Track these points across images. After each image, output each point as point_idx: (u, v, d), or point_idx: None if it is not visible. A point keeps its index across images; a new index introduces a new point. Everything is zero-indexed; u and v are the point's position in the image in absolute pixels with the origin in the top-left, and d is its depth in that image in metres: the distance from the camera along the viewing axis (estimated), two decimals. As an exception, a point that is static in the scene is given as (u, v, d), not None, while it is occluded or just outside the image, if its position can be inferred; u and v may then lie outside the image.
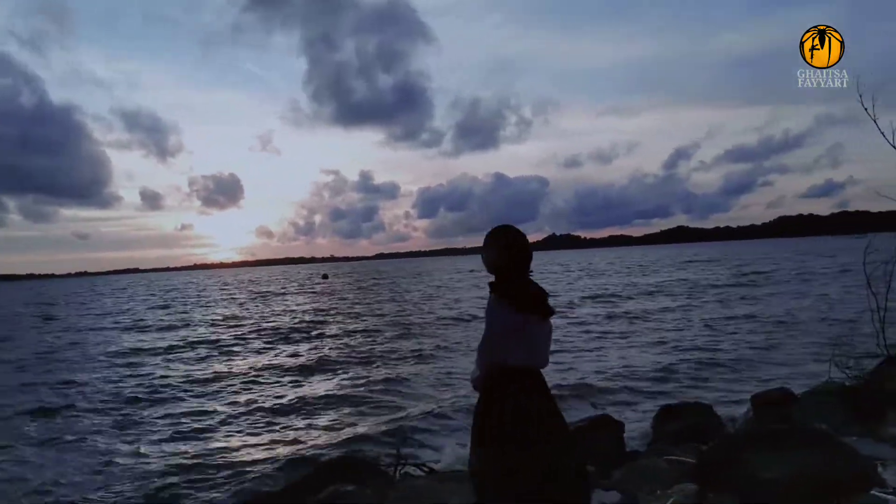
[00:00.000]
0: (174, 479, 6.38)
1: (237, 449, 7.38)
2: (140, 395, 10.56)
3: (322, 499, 4.56)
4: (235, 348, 16.30)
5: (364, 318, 23.13)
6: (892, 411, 4.60)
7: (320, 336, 18.08)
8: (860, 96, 4.89)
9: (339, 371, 12.14)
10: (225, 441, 7.77)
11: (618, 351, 13.01)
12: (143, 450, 7.47)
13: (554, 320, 2.51)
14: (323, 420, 8.56)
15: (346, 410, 8.99)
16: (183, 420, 8.86)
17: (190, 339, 18.49)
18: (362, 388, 10.30)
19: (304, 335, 18.42)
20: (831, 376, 6.31)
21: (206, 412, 9.25)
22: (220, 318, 26.45)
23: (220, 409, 9.43)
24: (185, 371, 12.98)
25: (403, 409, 8.89)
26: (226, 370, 12.84)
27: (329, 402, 9.50)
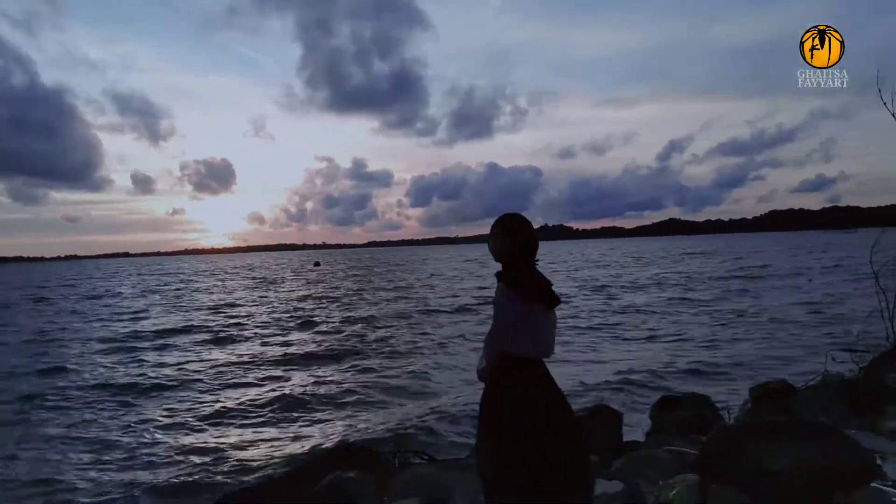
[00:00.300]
0: (170, 472, 6.29)
1: (234, 441, 7.31)
2: (133, 384, 10.38)
3: (323, 485, 4.56)
4: (229, 337, 16.14)
5: (359, 307, 23.08)
6: (890, 405, 4.64)
7: (315, 326, 17.96)
8: (879, 90, 4.88)
9: (335, 363, 12.00)
10: (222, 433, 7.66)
11: (614, 343, 13.06)
12: (137, 442, 7.33)
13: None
14: (321, 412, 8.47)
15: (345, 402, 8.89)
16: (178, 411, 8.72)
17: (183, 327, 18.36)
18: (361, 381, 10.23)
19: (300, 325, 18.33)
20: (828, 369, 6.38)
21: (201, 403, 9.15)
22: (213, 305, 26.33)
23: (215, 400, 9.32)
24: (179, 360, 12.82)
25: (403, 400, 8.87)
26: (220, 360, 12.70)
27: (327, 393, 9.37)
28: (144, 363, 12.59)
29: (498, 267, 2.54)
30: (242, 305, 25.58)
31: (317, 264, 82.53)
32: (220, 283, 45.67)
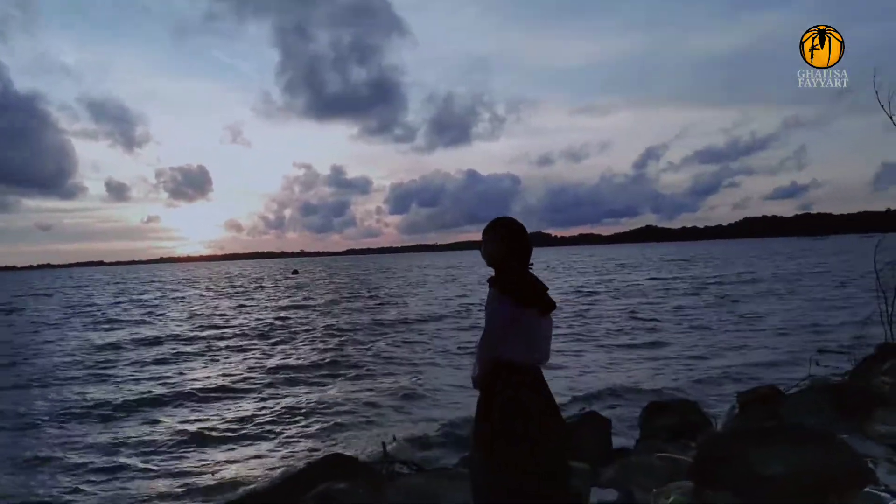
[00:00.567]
0: (153, 489, 6.07)
1: (219, 456, 7.10)
2: (111, 400, 9.88)
3: (313, 496, 4.48)
4: (209, 349, 15.74)
5: (341, 316, 22.86)
6: (879, 409, 4.69)
7: (297, 337, 17.62)
8: (876, 93, 4.94)
9: (320, 374, 11.74)
10: (206, 448, 7.42)
11: (601, 350, 13.08)
12: (116, 462, 6.97)
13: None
14: (308, 424, 8.26)
15: (332, 413, 8.72)
16: (159, 427, 8.37)
17: (161, 338, 17.90)
18: (348, 391, 10.07)
19: (281, 335, 17.96)
20: (811, 373, 6.46)
21: (184, 418, 8.84)
22: (191, 315, 25.84)
23: (198, 414, 9.06)
24: (159, 374, 12.42)
25: (391, 411, 8.76)
26: (201, 374, 12.36)
27: (314, 405, 9.16)
28: (122, 377, 12.17)
29: (490, 272, 2.51)
30: (222, 315, 25.15)
31: (295, 272, 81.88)
32: (196, 292, 44.99)
